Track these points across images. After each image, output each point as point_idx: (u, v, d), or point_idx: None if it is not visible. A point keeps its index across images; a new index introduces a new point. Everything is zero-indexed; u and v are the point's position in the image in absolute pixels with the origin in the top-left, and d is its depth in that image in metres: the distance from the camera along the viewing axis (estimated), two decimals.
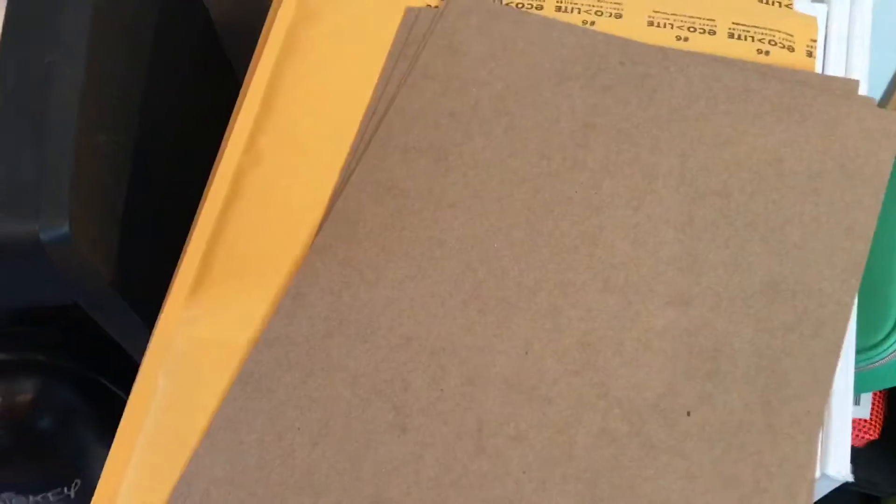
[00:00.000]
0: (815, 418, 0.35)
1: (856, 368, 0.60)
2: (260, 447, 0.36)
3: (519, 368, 0.36)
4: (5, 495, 0.50)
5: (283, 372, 0.37)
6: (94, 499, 0.36)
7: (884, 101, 0.72)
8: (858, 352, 0.59)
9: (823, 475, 0.39)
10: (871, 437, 0.66)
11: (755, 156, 0.40)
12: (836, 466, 0.38)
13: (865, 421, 0.65)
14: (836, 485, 0.41)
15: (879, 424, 0.66)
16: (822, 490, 0.43)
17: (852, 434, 0.67)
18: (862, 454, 0.67)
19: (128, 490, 0.35)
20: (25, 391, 0.48)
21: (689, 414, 0.35)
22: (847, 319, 0.37)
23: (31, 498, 0.50)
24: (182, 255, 0.40)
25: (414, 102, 0.43)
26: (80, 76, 0.37)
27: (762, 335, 0.36)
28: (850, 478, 0.39)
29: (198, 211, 0.42)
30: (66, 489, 0.51)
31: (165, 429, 0.37)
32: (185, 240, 0.41)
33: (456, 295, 0.38)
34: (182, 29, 0.50)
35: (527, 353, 0.37)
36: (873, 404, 0.66)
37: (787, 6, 0.46)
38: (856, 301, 0.40)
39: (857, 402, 0.65)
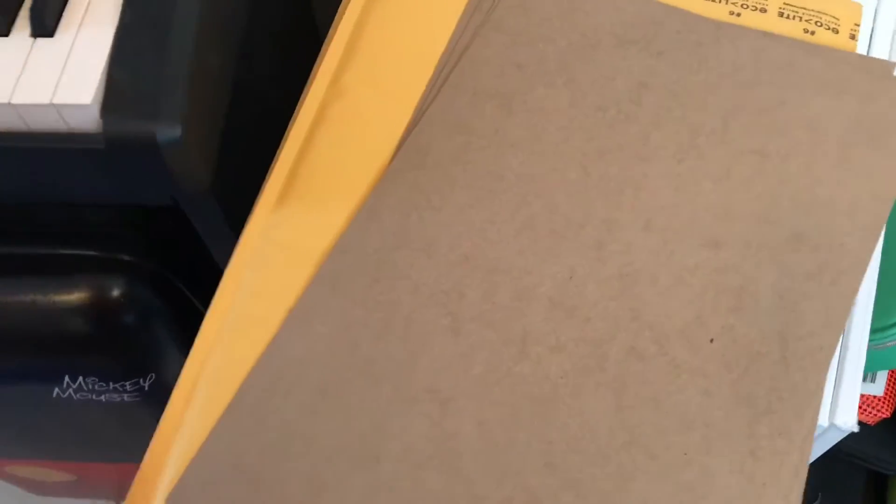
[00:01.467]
0: (826, 354, 0.39)
1: (871, 346, 0.63)
2: (330, 337, 0.41)
3: (563, 290, 0.41)
4: (90, 379, 0.56)
5: (354, 276, 0.42)
6: (182, 371, 0.41)
7: None
8: (874, 331, 0.63)
9: (832, 425, 0.43)
10: (883, 416, 0.69)
11: (793, 123, 0.44)
12: (844, 417, 0.42)
13: (879, 398, 0.69)
14: (843, 435, 0.45)
15: (892, 404, 0.69)
16: (829, 441, 0.47)
17: (866, 412, 0.70)
18: (873, 432, 0.71)
19: (214, 364, 0.41)
20: (113, 287, 0.54)
21: (711, 341, 0.39)
22: (863, 273, 0.41)
23: (111, 384, 0.56)
24: (270, 170, 0.45)
25: (485, 52, 0.48)
26: (198, 3, 0.42)
27: (784, 280, 0.41)
28: (855, 428, 0.43)
29: (286, 134, 0.47)
30: (141, 381, 0.57)
31: (248, 317, 0.42)
32: (273, 158, 0.46)
33: (511, 223, 0.43)
34: None
35: (571, 277, 0.41)
36: (888, 384, 0.69)
37: None
38: (874, 261, 0.44)
39: (872, 379, 0.68)
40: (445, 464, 0.38)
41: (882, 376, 0.69)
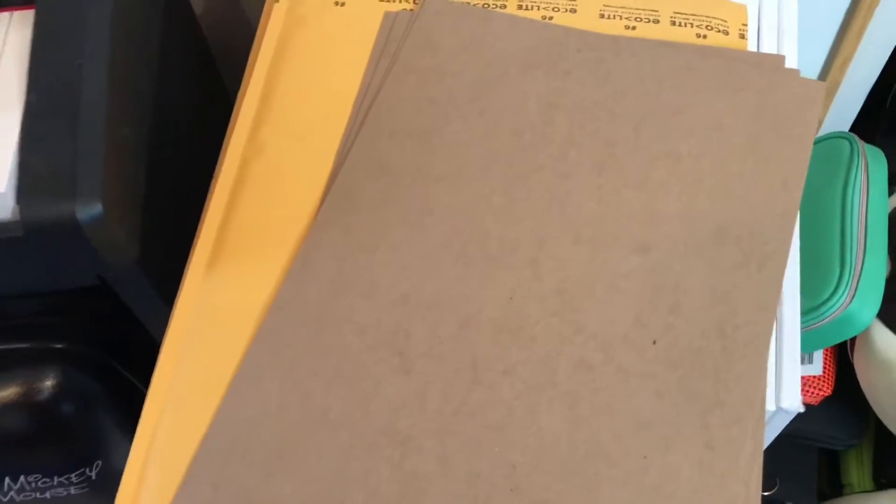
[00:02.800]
0: (764, 339, 0.40)
1: (805, 328, 0.66)
2: (281, 392, 0.40)
3: (505, 312, 0.41)
4: (32, 477, 0.53)
5: (297, 328, 0.42)
6: (132, 450, 0.40)
7: None
8: (807, 312, 0.65)
9: (779, 409, 0.44)
10: (826, 394, 0.72)
11: (700, 123, 0.46)
12: (789, 400, 0.44)
13: (819, 378, 0.71)
14: (791, 417, 0.46)
15: (832, 381, 0.72)
16: (778, 425, 0.49)
17: (809, 392, 0.73)
18: (819, 411, 0.73)
19: (161, 440, 0.40)
20: (47, 378, 0.52)
21: (654, 342, 0.40)
22: (786, 255, 0.42)
23: (55, 479, 0.54)
24: (197, 235, 0.45)
25: (398, 92, 0.48)
26: (105, 77, 0.42)
27: (715, 273, 0.42)
28: (801, 408, 0.45)
29: (209, 196, 0.46)
30: (87, 470, 0.55)
31: (192, 386, 0.41)
32: (197, 223, 0.45)
33: (446, 254, 0.43)
34: (181, 43, 0.55)
35: (511, 298, 0.42)
36: (825, 362, 0.71)
37: None
38: (794, 251, 0.46)
39: (809, 360, 0.71)
40: None
41: (818, 356, 0.71)
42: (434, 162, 0.46)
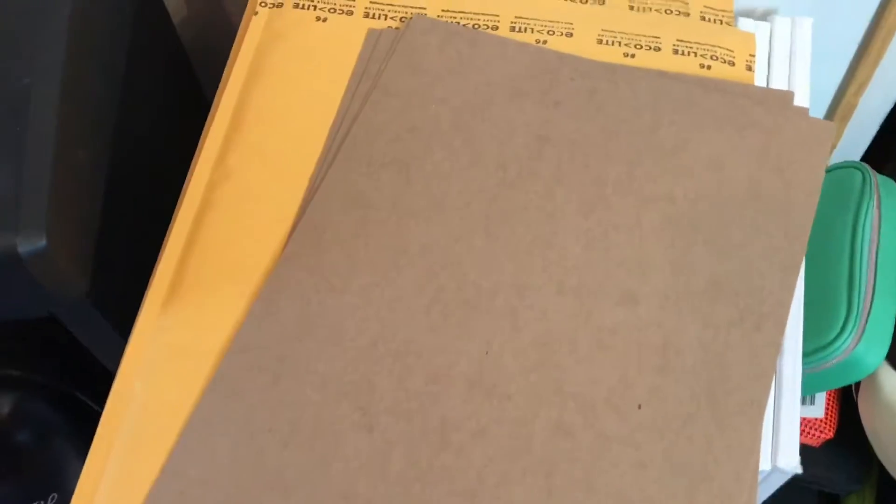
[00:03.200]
0: (759, 407, 0.37)
1: (808, 369, 0.62)
2: (233, 449, 0.37)
3: (480, 367, 0.38)
4: None
5: (253, 375, 0.39)
6: (73, 501, 0.37)
7: (829, 117, 0.75)
8: (811, 353, 0.62)
9: (775, 468, 0.41)
10: (827, 437, 0.68)
11: (698, 163, 0.43)
12: (786, 459, 0.41)
13: (821, 421, 0.68)
14: (787, 477, 0.43)
15: (834, 424, 0.68)
16: (774, 483, 0.45)
17: (809, 435, 0.69)
18: (820, 454, 0.70)
19: (105, 492, 0.37)
20: (2, 406, 0.49)
21: (639, 407, 0.37)
22: (786, 315, 0.39)
23: None
24: (156, 266, 0.42)
25: (377, 118, 0.45)
26: (56, 96, 0.39)
27: (707, 331, 0.39)
28: (798, 470, 0.42)
29: (171, 224, 0.43)
30: (42, 503, 0.52)
31: (141, 433, 0.38)
32: (158, 249, 0.42)
33: (419, 299, 0.40)
34: (152, 51, 0.52)
35: (487, 352, 0.39)
36: (827, 404, 0.68)
37: (727, 23, 0.49)
38: (797, 297, 0.42)
39: (811, 402, 0.68)
40: None
41: (821, 397, 0.68)
42: (412, 196, 0.43)
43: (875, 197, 0.66)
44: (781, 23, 0.52)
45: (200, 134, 0.46)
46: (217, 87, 0.47)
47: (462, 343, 0.39)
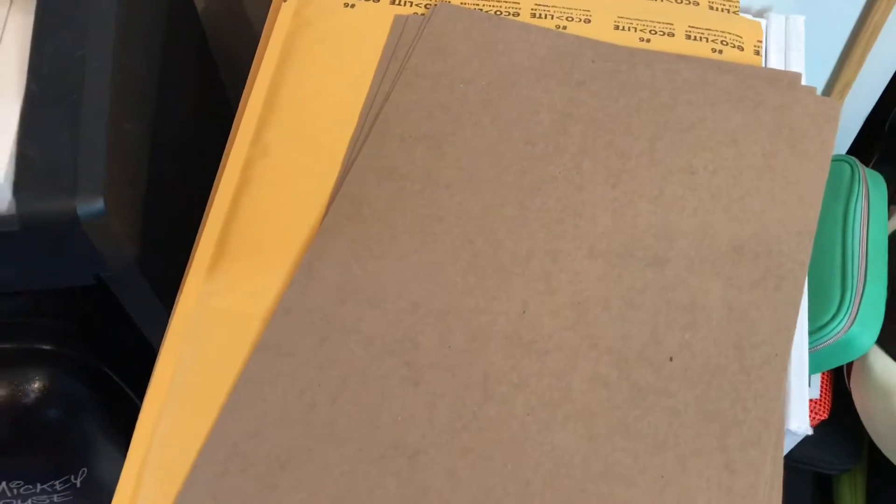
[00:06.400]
0: (782, 359, 0.39)
1: None
2: (283, 403, 0.39)
3: (518, 326, 0.40)
4: (14, 483, 0.51)
5: (300, 337, 0.40)
6: (128, 456, 0.38)
7: None
8: (808, 335, 0.64)
9: (787, 431, 0.43)
10: (822, 418, 0.71)
11: (715, 138, 0.45)
12: (797, 423, 0.43)
13: (816, 402, 0.70)
14: (798, 439, 0.45)
15: (828, 405, 0.71)
16: (785, 446, 0.48)
17: None
18: (814, 434, 0.72)
19: (159, 447, 0.38)
20: (33, 380, 0.50)
21: (671, 359, 0.39)
22: (804, 276, 0.42)
23: (38, 486, 0.52)
24: (198, 236, 0.43)
25: (408, 97, 0.47)
26: (108, 69, 0.40)
27: (731, 290, 0.41)
28: (809, 431, 0.44)
29: (210, 197, 0.45)
30: (73, 478, 0.53)
31: (191, 392, 0.39)
32: (198, 225, 0.44)
33: (456, 264, 0.42)
34: (181, 35, 0.54)
35: (524, 312, 0.41)
36: (822, 386, 0.71)
37: (733, 12, 0.52)
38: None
39: (808, 383, 0.70)
40: None
41: (816, 380, 0.70)
42: (444, 168, 0.45)
43: (863, 188, 0.70)
44: (776, 20, 0.55)
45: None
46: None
47: (499, 304, 0.41)
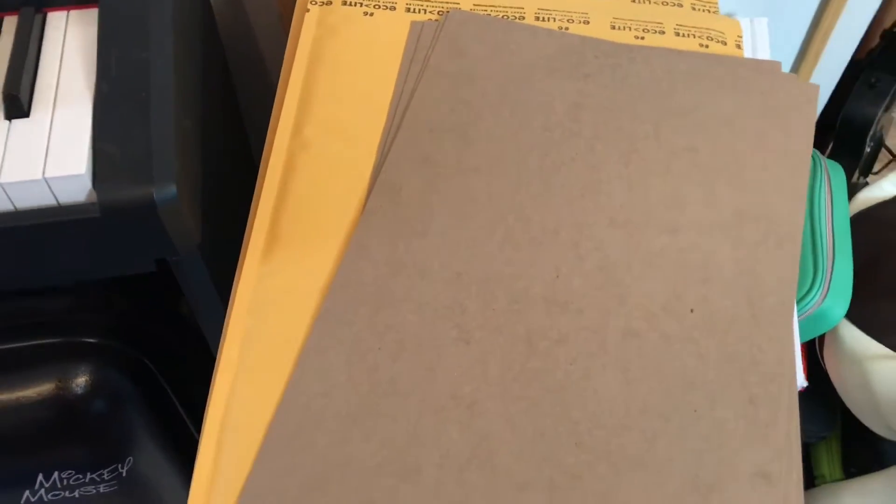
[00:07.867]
0: (789, 306, 0.44)
1: None
2: (348, 366, 0.42)
3: (553, 288, 0.45)
4: (65, 473, 0.54)
5: (356, 307, 0.44)
6: (204, 426, 0.41)
7: None
8: None
9: None
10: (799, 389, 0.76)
11: (712, 121, 0.51)
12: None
13: None
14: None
15: (804, 376, 0.76)
16: None
17: None
18: None
19: (236, 412, 0.41)
20: (79, 373, 0.53)
21: (692, 311, 0.44)
22: (800, 234, 0.47)
23: (88, 475, 0.54)
24: (248, 225, 0.47)
25: (432, 93, 0.52)
26: (170, 71, 0.44)
27: (739, 250, 0.46)
28: (804, 383, 0.49)
29: (256, 190, 0.48)
30: (119, 467, 0.55)
31: (260, 361, 0.43)
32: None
33: (492, 238, 0.46)
34: (210, 43, 0.58)
35: (557, 276, 0.45)
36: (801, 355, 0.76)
37: (713, 12, 0.58)
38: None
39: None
40: (484, 462, 0.40)
41: None
42: (472, 155, 0.49)
43: (825, 175, 0.76)
44: (742, 22, 0.61)
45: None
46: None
47: (534, 270, 0.45)
